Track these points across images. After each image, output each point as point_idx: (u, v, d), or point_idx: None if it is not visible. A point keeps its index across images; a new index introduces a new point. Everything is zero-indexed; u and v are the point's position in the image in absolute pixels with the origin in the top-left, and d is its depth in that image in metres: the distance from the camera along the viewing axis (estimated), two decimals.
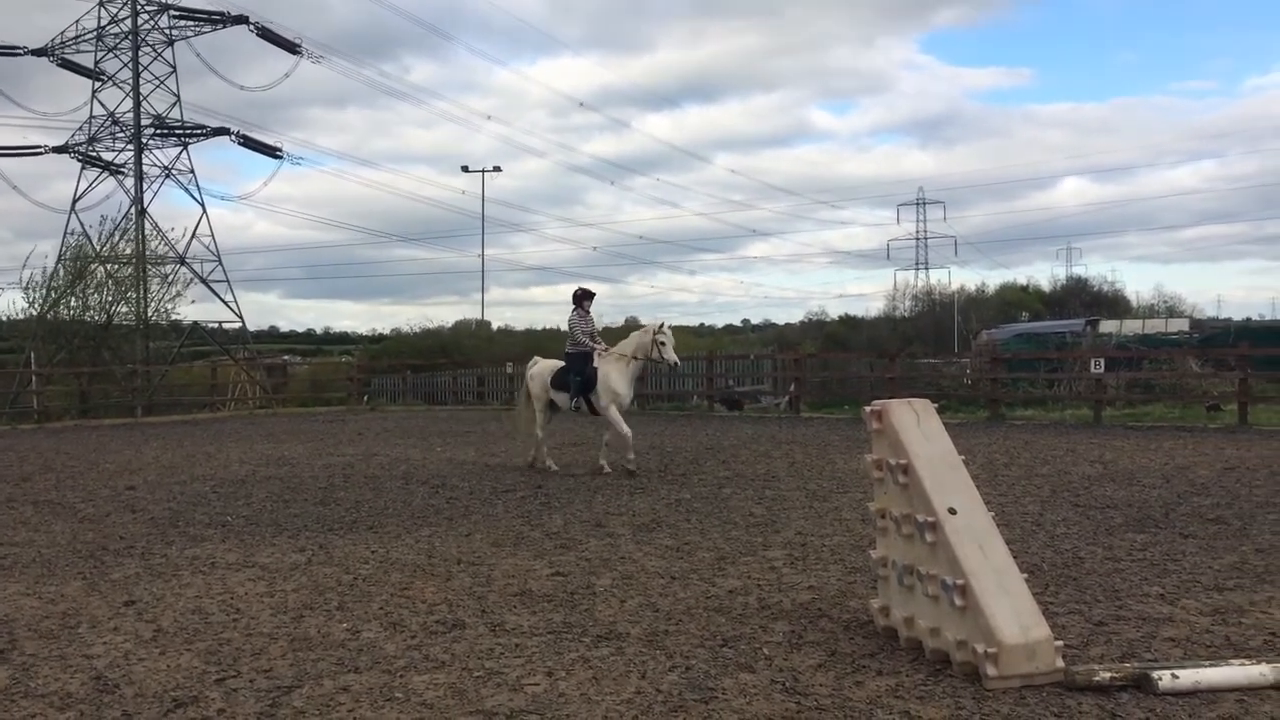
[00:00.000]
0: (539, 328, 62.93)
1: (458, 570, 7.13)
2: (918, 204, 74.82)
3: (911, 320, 61.22)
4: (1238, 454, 13.31)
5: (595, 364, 12.66)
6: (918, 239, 74.81)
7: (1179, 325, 46.04)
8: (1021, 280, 72.24)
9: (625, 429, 12.46)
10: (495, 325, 59.69)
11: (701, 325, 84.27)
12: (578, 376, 12.68)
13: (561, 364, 13.21)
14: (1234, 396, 19.36)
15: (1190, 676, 4.36)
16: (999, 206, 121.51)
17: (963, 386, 25.64)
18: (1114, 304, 63.45)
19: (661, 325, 12.66)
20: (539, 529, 8.75)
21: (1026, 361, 26.63)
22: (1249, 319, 53.77)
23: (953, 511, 4.84)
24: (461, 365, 36.47)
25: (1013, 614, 4.50)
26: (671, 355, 12.53)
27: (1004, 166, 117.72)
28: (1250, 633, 5.26)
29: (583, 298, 13.09)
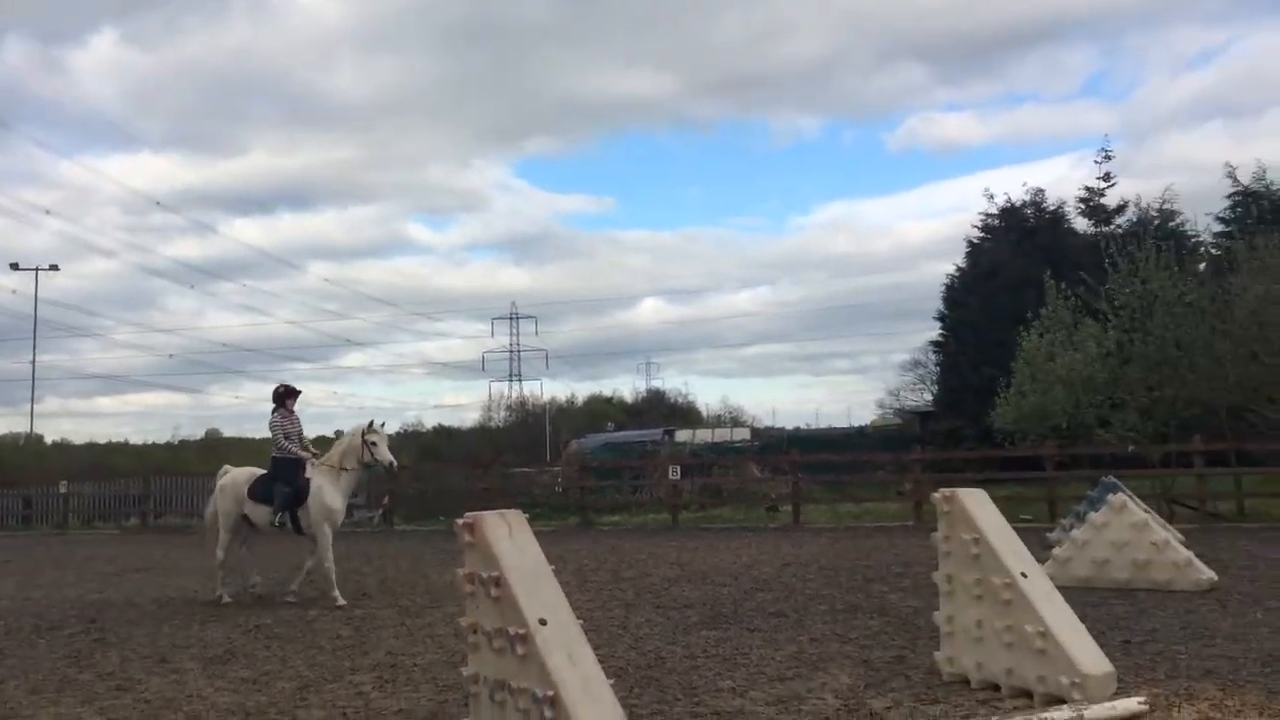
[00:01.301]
0: (102, 441, 56.92)
1: None
2: (511, 318, 76.94)
3: (506, 430, 62.35)
4: (793, 551, 14.71)
5: (308, 474, 11.09)
6: (511, 352, 76.71)
7: (742, 434, 50.61)
8: (607, 392, 76.14)
9: (330, 559, 10.92)
10: (49, 439, 53.07)
11: None
12: (287, 488, 11.00)
13: (258, 472, 11.47)
14: (789, 498, 21.49)
15: None
16: (587, 323, 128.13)
17: (554, 494, 26.34)
18: (688, 414, 68.60)
19: (370, 424, 11.25)
20: (90, 670, 7.70)
21: (613, 469, 27.95)
22: (798, 428, 60.39)
23: (543, 622, 4.86)
24: (4, 484, 31.89)
25: None
26: (386, 455, 11.13)
27: (591, 286, 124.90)
28: (808, 719, 5.72)
29: (285, 395, 11.55)
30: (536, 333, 78.64)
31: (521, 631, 4.82)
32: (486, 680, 5.11)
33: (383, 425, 11.38)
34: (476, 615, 5.23)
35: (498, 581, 5.01)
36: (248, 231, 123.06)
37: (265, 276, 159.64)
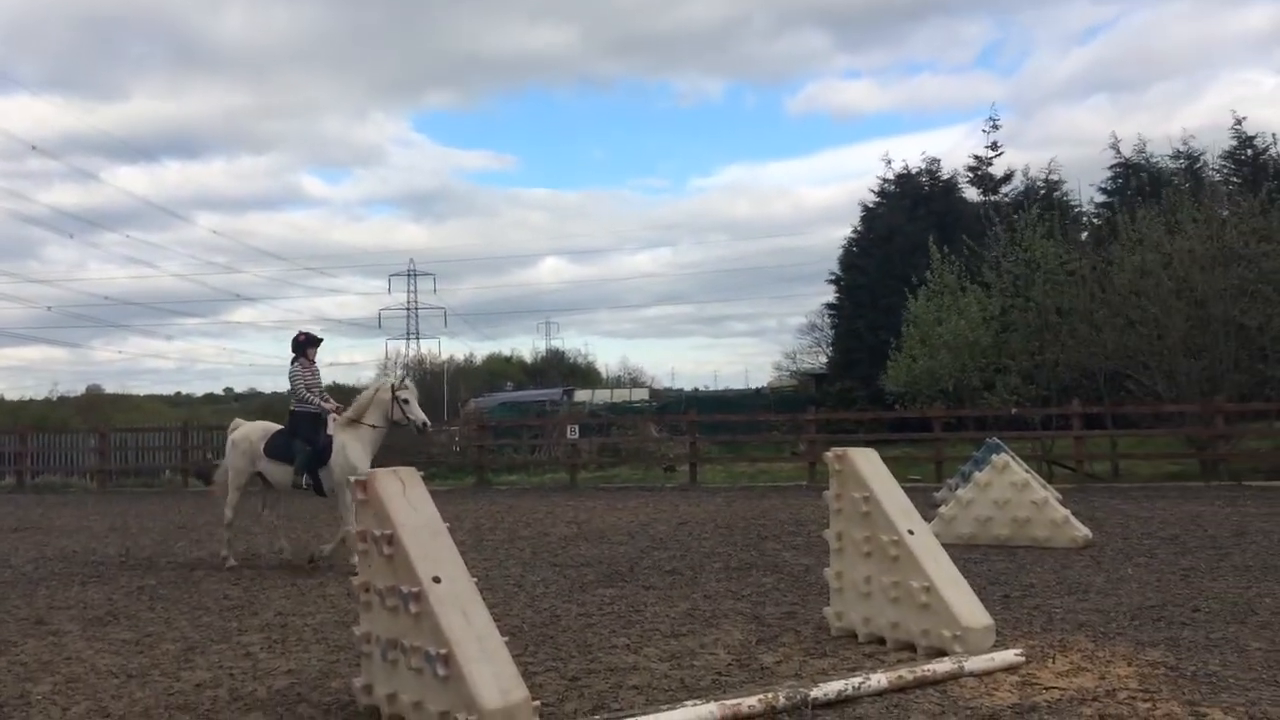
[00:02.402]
0: None
1: None
2: (409, 275, 75.51)
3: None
4: (689, 510, 14.88)
5: (330, 430, 10.17)
6: (409, 309, 75.38)
7: (641, 394, 50.98)
8: (506, 351, 75.70)
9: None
10: None
11: (179, 394, 77.92)
12: (308, 446, 10.09)
13: (273, 427, 10.57)
14: (686, 458, 21.71)
15: None
16: (486, 281, 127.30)
17: (452, 454, 26.13)
18: (587, 375, 68.68)
19: (403, 379, 10.55)
20: None
21: (511, 428, 27.83)
22: (696, 389, 60.97)
23: (437, 580, 4.82)
24: None
25: (494, 679, 4.55)
26: (419, 413, 10.25)
27: (491, 244, 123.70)
28: (701, 674, 5.81)
29: (306, 344, 10.49)
30: (435, 290, 77.69)
31: (415, 590, 4.77)
32: (378, 639, 5.05)
33: (411, 383, 10.64)
34: (369, 574, 5.16)
35: (391, 539, 4.94)
36: (131, 180, 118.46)
37: (150, 227, 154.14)
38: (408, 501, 5.09)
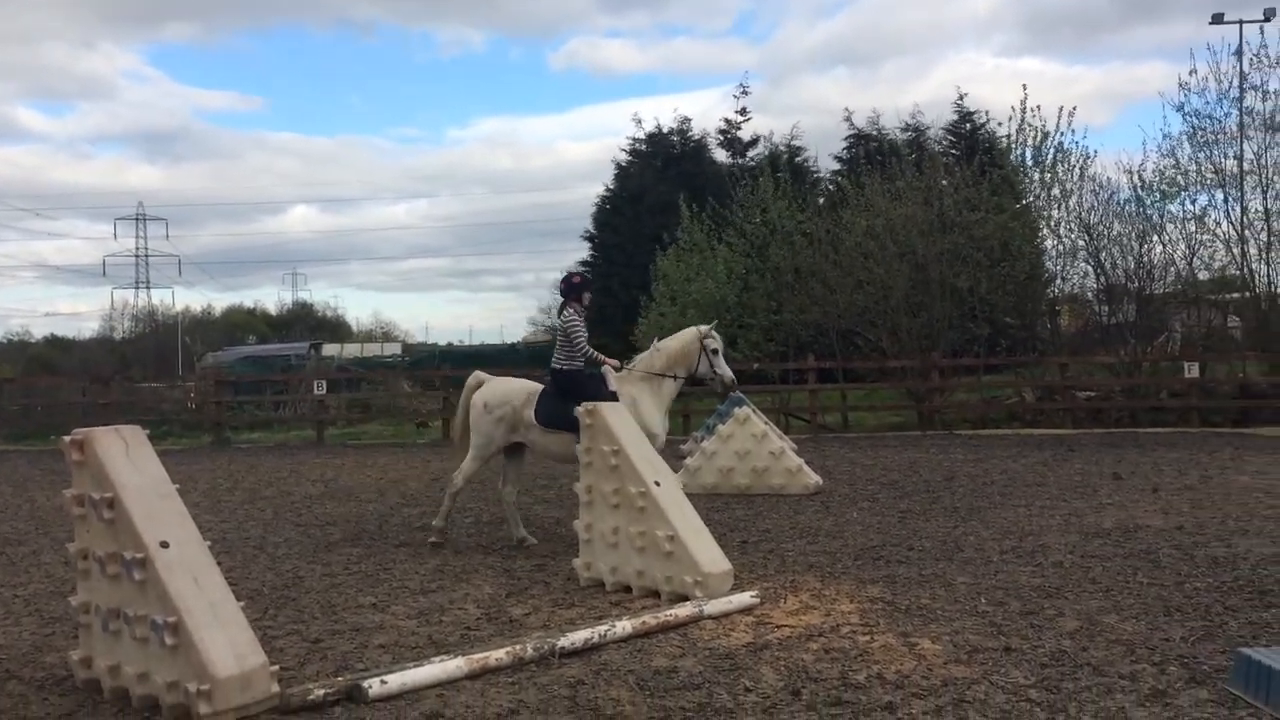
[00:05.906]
0: None
1: None
2: (137, 219, 69.94)
3: (132, 342, 57.37)
4: (442, 466, 14.68)
5: (612, 386, 8.41)
6: (138, 256, 69.97)
7: (393, 349, 49.85)
8: (249, 303, 71.93)
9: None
10: None
11: None
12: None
13: (530, 385, 8.63)
14: (438, 414, 21.44)
15: (397, 680, 4.63)
16: (228, 228, 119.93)
17: (186, 411, 24.62)
18: (336, 328, 66.45)
19: (711, 328, 8.94)
20: None
21: (252, 384, 26.51)
22: (450, 344, 60.13)
23: (165, 545, 4.54)
24: None
25: (227, 645, 4.36)
26: (727, 369, 8.82)
27: (234, 189, 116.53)
28: (449, 629, 5.79)
29: (583, 287, 8.63)
30: (168, 236, 72.50)
31: (139, 556, 4.49)
32: (98, 609, 4.72)
33: (716, 333, 9.06)
34: (87, 540, 4.80)
35: (111, 503, 4.62)
36: None
37: None
38: (130, 462, 4.76)
